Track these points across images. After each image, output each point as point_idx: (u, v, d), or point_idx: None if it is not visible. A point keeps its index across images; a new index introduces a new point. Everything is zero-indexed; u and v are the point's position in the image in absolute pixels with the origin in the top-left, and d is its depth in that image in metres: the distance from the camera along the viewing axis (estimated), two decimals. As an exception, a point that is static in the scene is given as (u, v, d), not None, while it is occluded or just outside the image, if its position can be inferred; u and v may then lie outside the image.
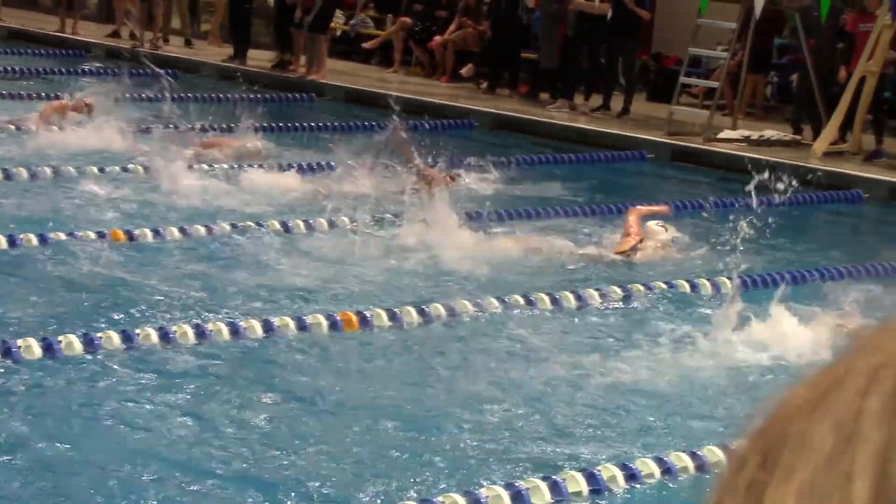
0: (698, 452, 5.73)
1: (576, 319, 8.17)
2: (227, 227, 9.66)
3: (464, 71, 19.61)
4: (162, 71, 14.73)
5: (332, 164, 12.14)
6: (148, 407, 6.11)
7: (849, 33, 15.78)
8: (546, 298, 8.30)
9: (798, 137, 16.04)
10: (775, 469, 0.43)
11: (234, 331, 7.20)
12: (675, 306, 8.54)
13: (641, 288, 8.73)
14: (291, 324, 7.37)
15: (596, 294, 8.53)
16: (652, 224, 10.24)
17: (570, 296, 8.45)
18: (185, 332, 7.07)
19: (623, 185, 13.32)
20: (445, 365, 7.08)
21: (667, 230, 10.20)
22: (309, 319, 7.45)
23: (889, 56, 15.18)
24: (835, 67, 15.98)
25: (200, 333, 7.08)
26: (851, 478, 0.41)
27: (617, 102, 17.41)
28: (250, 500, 5.22)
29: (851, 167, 14.45)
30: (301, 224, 10.04)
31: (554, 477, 5.42)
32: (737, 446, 0.45)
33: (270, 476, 5.44)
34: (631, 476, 5.52)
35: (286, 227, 9.90)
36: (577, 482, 5.40)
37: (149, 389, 6.35)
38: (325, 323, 7.44)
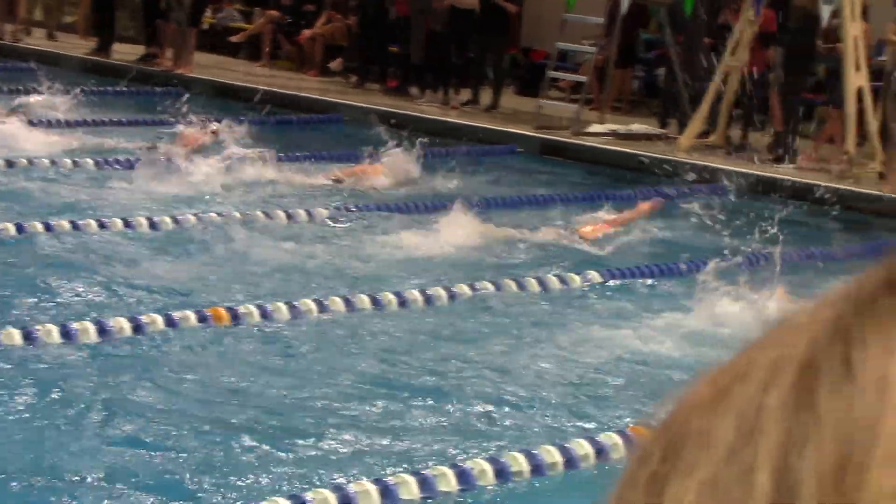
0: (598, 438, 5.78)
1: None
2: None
3: (333, 65, 19.54)
4: (24, 63, 14.44)
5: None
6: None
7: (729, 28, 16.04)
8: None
9: (664, 131, 16.28)
10: (677, 463, 0.43)
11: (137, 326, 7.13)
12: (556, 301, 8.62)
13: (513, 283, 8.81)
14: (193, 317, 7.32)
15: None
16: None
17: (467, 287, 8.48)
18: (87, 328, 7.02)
19: (492, 178, 13.37)
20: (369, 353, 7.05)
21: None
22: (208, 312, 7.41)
23: (769, 57, 15.49)
24: (697, 63, 16.24)
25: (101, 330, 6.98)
26: (752, 471, 0.41)
27: (486, 97, 17.51)
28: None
29: (716, 160, 14.70)
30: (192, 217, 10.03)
31: (500, 459, 5.50)
32: (640, 440, 0.45)
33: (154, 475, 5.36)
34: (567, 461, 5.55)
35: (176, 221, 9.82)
36: (518, 462, 5.50)
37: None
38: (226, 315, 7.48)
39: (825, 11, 13.58)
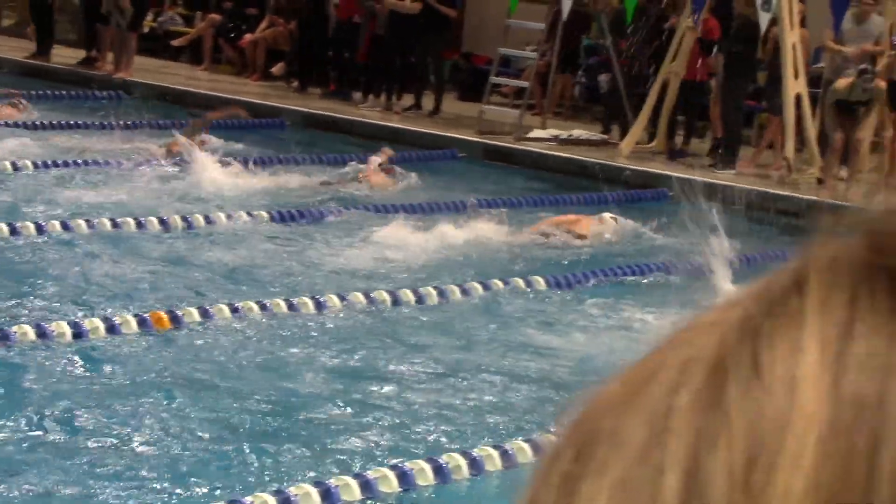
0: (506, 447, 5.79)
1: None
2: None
3: (274, 69, 19.48)
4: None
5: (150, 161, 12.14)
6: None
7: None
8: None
9: (606, 137, 16.36)
10: (589, 463, 0.43)
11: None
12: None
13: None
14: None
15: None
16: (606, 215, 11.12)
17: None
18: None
19: (435, 183, 13.38)
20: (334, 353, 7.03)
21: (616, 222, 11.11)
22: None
23: (710, 64, 15.60)
24: (642, 68, 16.35)
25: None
26: (662, 471, 0.42)
27: (429, 102, 17.52)
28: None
29: (657, 166, 14.80)
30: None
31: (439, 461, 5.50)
32: (551, 440, 0.46)
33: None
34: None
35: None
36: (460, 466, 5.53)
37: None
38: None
39: (763, 19, 13.69)
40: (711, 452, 0.41)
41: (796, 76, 14.30)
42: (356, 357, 7.30)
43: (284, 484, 5.35)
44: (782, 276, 0.45)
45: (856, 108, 14.00)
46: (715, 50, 15.55)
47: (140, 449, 5.71)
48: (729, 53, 15.06)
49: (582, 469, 0.43)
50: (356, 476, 5.40)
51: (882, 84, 14.15)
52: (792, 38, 14.24)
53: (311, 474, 5.53)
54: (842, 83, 14.19)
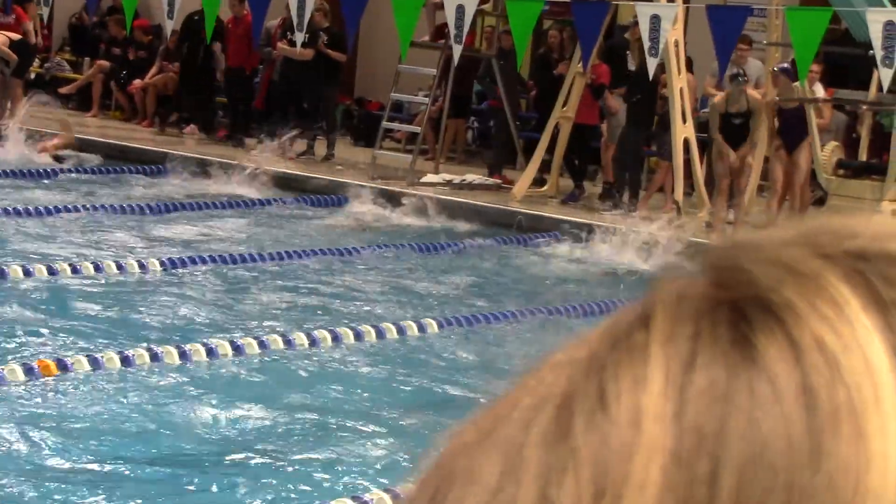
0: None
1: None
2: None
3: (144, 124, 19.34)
4: None
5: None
6: None
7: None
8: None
9: (498, 181, 16.46)
10: (444, 503, 0.44)
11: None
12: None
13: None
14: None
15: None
16: None
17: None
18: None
19: (327, 229, 13.34)
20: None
21: None
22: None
23: (609, 105, 15.82)
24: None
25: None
26: None
27: (321, 147, 17.51)
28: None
29: (550, 210, 14.91)
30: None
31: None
32: (412, 484, 0.46)
33: None
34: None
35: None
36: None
37: None
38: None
39: (651, 65, 13.91)
40: (560, 486, 0.42)
41: (684, 121, 14.52)
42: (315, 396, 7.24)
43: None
44: (630, 312, 0.47)
45: (739, 126, 14.21)
46: (604, 94, 15.79)
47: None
48: (630, 102, 15.30)
49: None
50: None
51: (757, 95, 14.44)
52: (679, 83, 14.48)
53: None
54: (718, 97, 14.48)
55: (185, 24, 18.58)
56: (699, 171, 14.64)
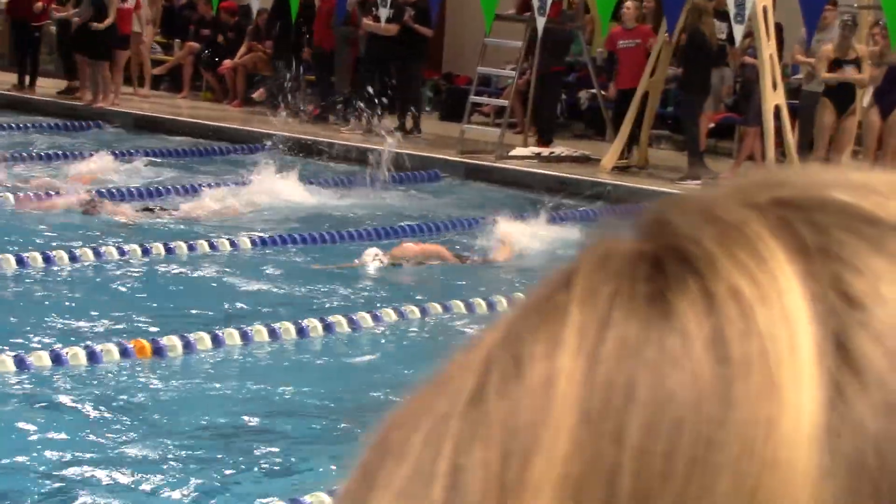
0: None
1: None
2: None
3: (255, 95, 19.48)
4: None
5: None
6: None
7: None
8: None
9: (587, 153, 16.37)
10: (376, 478, 0.43)
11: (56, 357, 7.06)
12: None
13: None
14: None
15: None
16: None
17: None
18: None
19: (416, 204, 13.38)
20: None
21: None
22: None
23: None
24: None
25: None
26: (432, 479, 0.42)
27: (410, 124, 17.53)
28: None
29: (639, 181, 14.81)
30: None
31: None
32: (350, 463, 0.46)
33: None
34: None
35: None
36: None
37: None
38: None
39: (738, 32, 13.73)
40: (470, 452, 0.42)
41: (774, 87, 14.34)
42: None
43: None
44: (555, 276, 0.45)
45: (844, 88, 14.04)
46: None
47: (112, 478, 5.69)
48: (686, 68, 15.12)
49: (368, 489, 0.43)
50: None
51: (864, 48, 14.27)
52: (769, 49, 14.28)
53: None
54: (827, 46, 14.24)
55: (277, 2, 18.69)
56: (791, 138, 14.45)
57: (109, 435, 6.22)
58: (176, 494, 5.57)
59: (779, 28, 14.88)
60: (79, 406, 6.64)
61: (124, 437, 6.18)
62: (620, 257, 0.44)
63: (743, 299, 0.42)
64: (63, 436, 6.16)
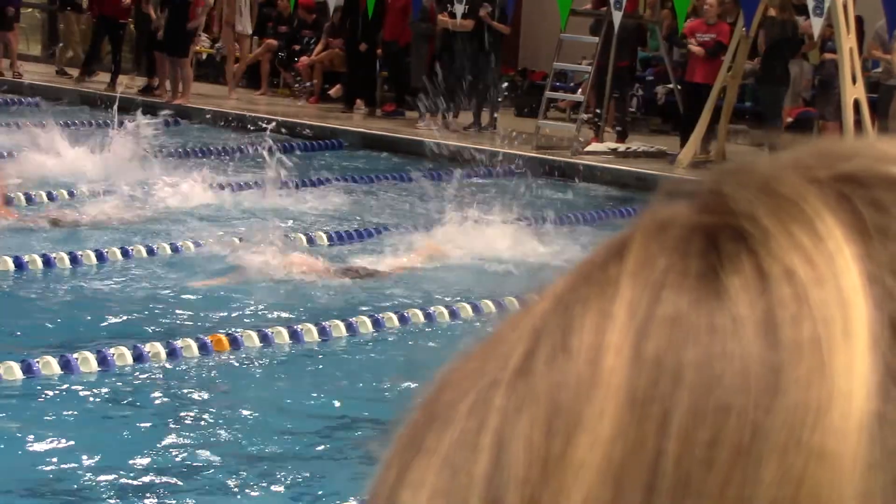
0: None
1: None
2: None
3: (332, 91, 19.57)
4: (26, 99, 14.46)
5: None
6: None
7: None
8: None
9: (664, 148, 16.28)
10: (423, 443, 0.43)
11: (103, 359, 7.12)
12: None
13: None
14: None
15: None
16: None
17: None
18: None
19: (492, 199, 13.34)
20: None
21: None
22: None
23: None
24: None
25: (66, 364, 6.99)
26: (477, 451, 0.41)
27: (487, 119, 17.52)
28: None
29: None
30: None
31: None
32: (401, 419, 0.45)
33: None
34: None
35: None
36: None
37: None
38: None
39: (816, 25, 13.58)
40: (514, 426, 0.41)
41: (854, 81, 14.17)
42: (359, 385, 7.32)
43: None
44: (608, 245, 0.44)
45: None
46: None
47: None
48: (767, 60, 14.99)
49: (417, 447, 0.43)
50: None
51: None
52: (849, 42, 14.12)
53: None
54: None
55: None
56: (871, 132, 14.28)
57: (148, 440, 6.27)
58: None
59: (859, 21, 14.70)
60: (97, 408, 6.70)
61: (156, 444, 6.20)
62: (676, 229, 0.43)
63: (797, 280, 0.41)
64: (70, 442, 6.21)
